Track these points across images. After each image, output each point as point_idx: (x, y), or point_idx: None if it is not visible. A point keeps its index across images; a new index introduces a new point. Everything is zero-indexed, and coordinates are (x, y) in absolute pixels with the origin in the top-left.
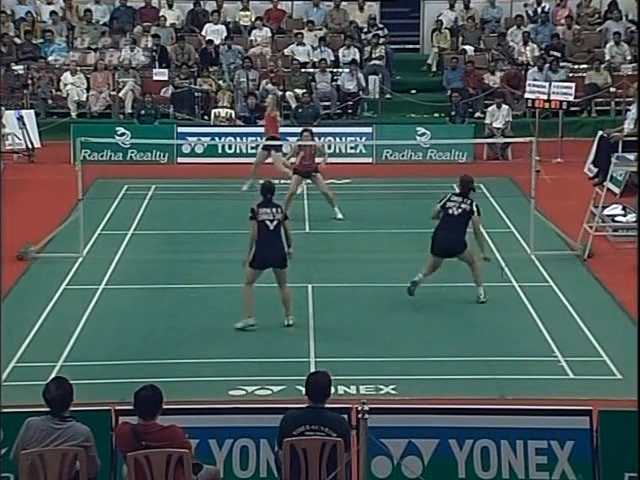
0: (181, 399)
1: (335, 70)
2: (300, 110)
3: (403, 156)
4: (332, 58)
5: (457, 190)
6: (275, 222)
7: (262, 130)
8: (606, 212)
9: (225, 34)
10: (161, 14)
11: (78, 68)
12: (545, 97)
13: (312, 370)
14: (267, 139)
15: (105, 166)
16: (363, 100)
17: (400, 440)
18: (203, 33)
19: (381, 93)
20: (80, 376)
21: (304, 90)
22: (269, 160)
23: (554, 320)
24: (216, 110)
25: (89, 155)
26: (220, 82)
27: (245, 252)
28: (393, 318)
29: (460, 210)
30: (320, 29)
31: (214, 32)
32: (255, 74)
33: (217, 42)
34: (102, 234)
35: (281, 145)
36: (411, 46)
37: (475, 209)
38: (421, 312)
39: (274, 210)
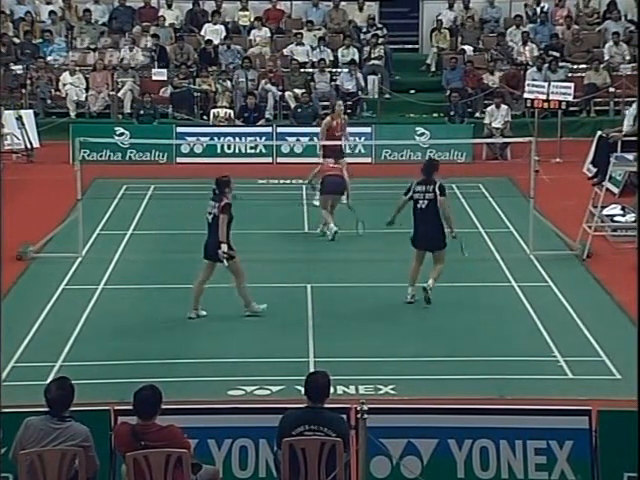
0: (180, 399)
1: (334, 70)
2: (299, 110)
3: (402, 156)
4: (331, 58)
5: (422, 177)
6: (211, 216)
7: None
8: (605, 212)
9: (224, 34)
10: (160, 14)
11: (77, 68)
12: (544, 97)
13: (311, 370)
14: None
15: (104, 166)
16: (362, 100)
17: (399, 440)
18: (202, 33)
19: (380, 93)
20: (79, 376)
21: (303, 90)
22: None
23: (553, 320)
24: (215, 110)
25: (88, 155)
26: (220, 82)
27: (244, 252)
28: (392, 318)
29: (426, 202)
30: (319, 29)
31: (213, 32)
32: (254, 74)
33: (216, 42)
34: (101, 234)
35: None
36: (410, 46)
37: (439, 191)
38: (420, 312)
39: (213, 204)
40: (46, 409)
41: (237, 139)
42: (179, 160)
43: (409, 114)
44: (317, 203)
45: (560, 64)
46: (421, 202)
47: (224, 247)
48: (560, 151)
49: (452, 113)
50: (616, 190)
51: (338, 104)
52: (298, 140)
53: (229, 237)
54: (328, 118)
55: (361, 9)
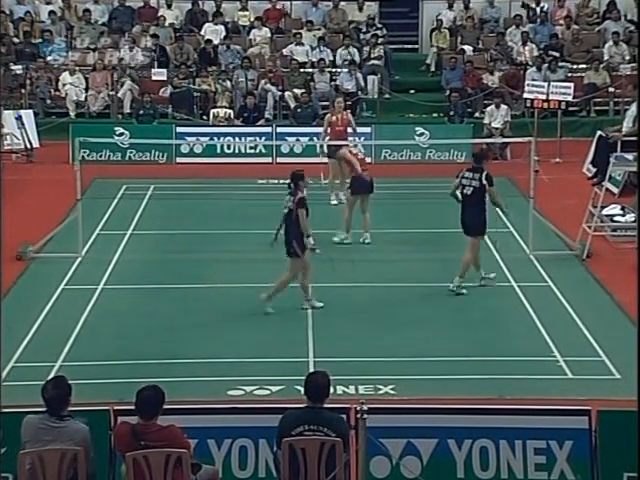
0: (180, 399)
1: (334, 70)
2: (299, 110)
3: (402, 156)
4: (331, 58)
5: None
6: (286, 210)
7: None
8: (605, 212)
9: (224, 34)
10: (160, 14)
11: (77, 68)
12: (544, 97)
13: (311, 370)
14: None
15: (104, 166)
16: (362, 100)
17: (399, 440)
18: (202, 33)
19: (380, 93)
20: (79, 376)
21: (303, 90)
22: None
23: (553, 320)
24: (215, 110)
25: (88, 155)
26: (219, 82)
27: (244, 252)
28: (392, 318)
29: (471, 189)
30: (319, 29)
31: (213, 32)
32: (254, 74)
33: (216, 42)
34: (101, 234)
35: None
36: (410, 46)
37: (486, 182)
38: (420, 312)
39: (288, 198)
40: (45, 409)
41: (237, 139)
42: (179, 160)
43: (409, 114)
44: (334, 202)
45: (560, 64)
46: (467, 188)
47: (310, 240)
48: (560, 151)
49: (452, 113)
50: (616, 190)
51: (338, 100)
52: (298, 140)
53: (300, 233)
54: (328, 114)
55: (361, 9)
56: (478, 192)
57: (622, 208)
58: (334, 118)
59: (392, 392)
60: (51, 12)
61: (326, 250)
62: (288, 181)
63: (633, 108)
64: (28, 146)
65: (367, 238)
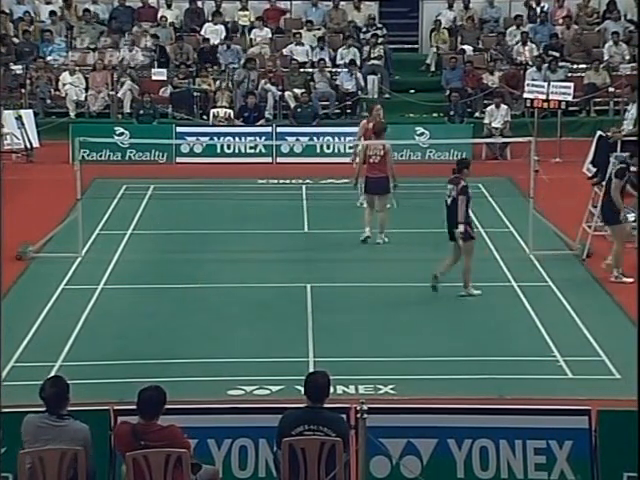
0: (180, 399)
1: (334, 70)
2: (299, 110)
3: (402, 156)
4: (332, 58)
5: None
6: (450, 199)
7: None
8: None
9: (224, 34)
10: (160, 14)
11: (77, 68)
12: (544, 97)
13: (311, 370)
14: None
15: (104, 166)
16: (362, 100)
17: (399, 440)
18: (202, 33)
19: (380, 93)
20: (79, 376)
21: (303, 90)
22: None
23: (553, 320)
24: (215, 110)
25: (88, 155)
26: (220, 82)
27: (244, 252)
28: (392, 318)
29: (607, 179)
30: (319, 29)
31: (213, 32)
32: (254, 74)
33: (216, 42)
34: (101, 234)
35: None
36: (410, 46)
37: (614, 174)
38: (420, 312)
39: (451, 187)
40: (45, 408)
41: (237, 139)
42: (179, 160)
43: (409, 114)
44: (364, 204)
45: (560, 64)
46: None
47: (461, 227)
48: (560, 151)
49: (452, 113)
50: None
51: (376, 108)
52: (298, 140)
53: (469, 218)
54: (364, 121)
55: (358, 9)
56: (609, 183)
57: None
58: (370, 125)
59: (392, 392)
60: (51, 12)
61: (326, 249)
62: (453, 167)
63: (633, 110)
64: (28, 146)
65: (378, 239)
